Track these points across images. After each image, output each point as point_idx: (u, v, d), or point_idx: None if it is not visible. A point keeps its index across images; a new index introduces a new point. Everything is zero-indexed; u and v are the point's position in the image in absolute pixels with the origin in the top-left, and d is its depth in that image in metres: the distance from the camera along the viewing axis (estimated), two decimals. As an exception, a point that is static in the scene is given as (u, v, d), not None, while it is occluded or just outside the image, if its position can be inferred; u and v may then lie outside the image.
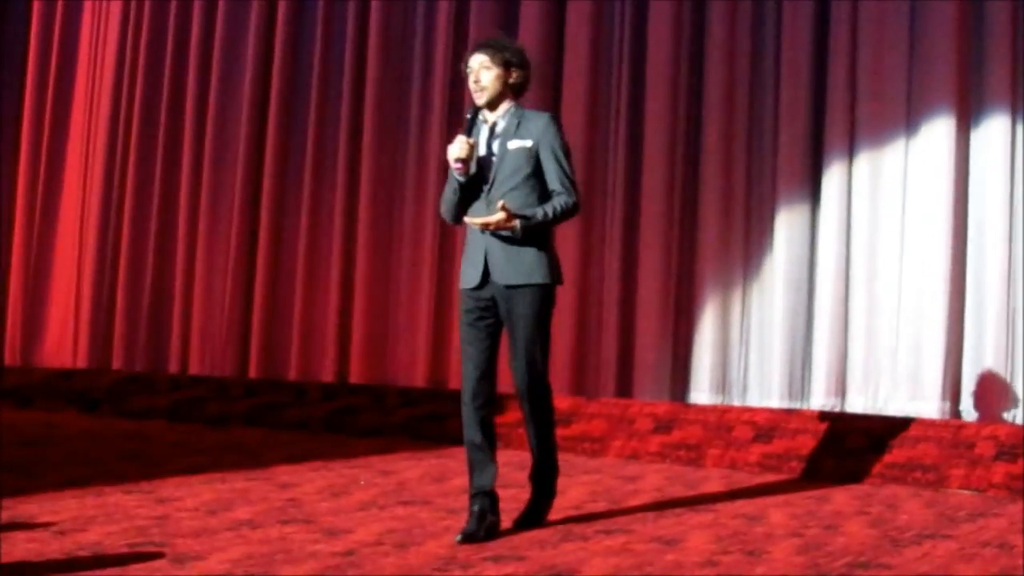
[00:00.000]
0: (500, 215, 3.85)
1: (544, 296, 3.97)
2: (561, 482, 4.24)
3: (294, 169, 8.14)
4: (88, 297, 8.87)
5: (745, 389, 6.44)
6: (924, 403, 5.77)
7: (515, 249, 3.92)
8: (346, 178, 7.83)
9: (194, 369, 8.29)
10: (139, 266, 8.67)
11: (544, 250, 3.97)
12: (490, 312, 3.98)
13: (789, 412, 6.04)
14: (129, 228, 8.74)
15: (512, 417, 6.04)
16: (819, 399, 6.10)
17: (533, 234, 3.92)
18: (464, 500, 4.01)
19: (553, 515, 4.18)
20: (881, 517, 4.46)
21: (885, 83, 6.08)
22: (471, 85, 4.02)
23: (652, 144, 6.73)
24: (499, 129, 4.02)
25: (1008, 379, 5.69)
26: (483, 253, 3.95)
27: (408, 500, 4.65)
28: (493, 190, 3.96)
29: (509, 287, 3.93)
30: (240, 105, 8.30)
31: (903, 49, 6.05)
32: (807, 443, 5.73)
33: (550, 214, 3.93)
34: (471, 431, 3.97)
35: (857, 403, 6.02)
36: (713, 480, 5.43)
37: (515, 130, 3.99)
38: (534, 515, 4.12)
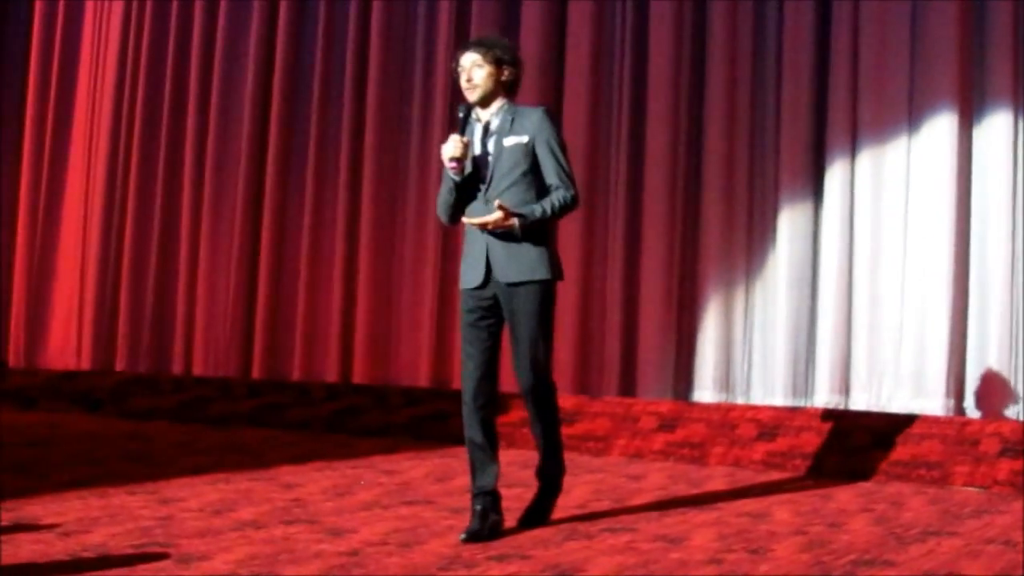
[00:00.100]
0: (498, 214, 3.84)
1: (545, 292, 3.96)
2: (565, 481, 4.24)
3: (296, 169, 8.13)
4: (91, 298, 8.87)
5: (749, 387, 6.44)
6: (928, 400, 5.77)
7: (516, 247, 3.91)
8: (348, 178, 7.82)
9: (197, 370, 8.29)
10: (142, 266, 8.67)
11: (544, 246, 3.96)
12: (492, 312, 3.98)
13: (793, 410, 6.04)
14: (132, 228, 8.74)
15: (515, 416, 6.05)
16: (823, 397, 6.09)
17: (533, 231, 3.91)
18: (468, 500, 4.02)
19: (557, 514, 4.18)
20: (885, 514, 4.46)
21: (887, 81, 6.08)
22: (463, 84, 4.01)
23: (654, 143, 6.72)
24: (493, 127, 4.00)
25: (1012, 376, 5.68)
26: (484, 252, 3.94)
27: (412, 500, 4.65)
28: (491, 188, 3.96)
29: (511, 285, 3.92)
30: (242, 105, 8.30)
31: (905, 47, 6.04)
32: (811, 441, 5.73)
33: (549, 210, 3.92)
34: (472, 431, 3.97)
35: (861, 400, 6.01)
36: (717, 478, 5.43)
37: (510, 127, 3.97)
38: (539, 511, 4.13)
